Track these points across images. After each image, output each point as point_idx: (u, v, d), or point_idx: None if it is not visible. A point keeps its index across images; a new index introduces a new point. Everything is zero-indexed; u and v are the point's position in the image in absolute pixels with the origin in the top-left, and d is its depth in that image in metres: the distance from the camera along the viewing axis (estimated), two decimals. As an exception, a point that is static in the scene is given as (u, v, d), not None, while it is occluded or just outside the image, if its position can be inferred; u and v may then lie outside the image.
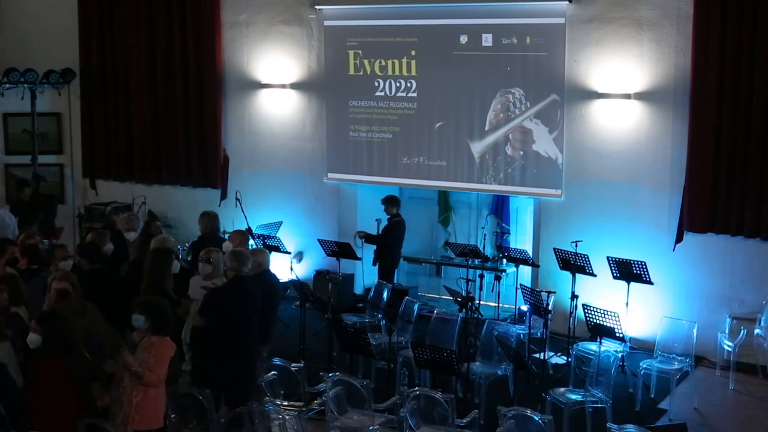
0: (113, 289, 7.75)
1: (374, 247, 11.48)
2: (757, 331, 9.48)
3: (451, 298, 9.66)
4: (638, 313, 9.97)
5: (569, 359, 9.31)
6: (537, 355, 9.42)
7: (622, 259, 9.62)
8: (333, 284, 9.93)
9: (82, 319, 6.83)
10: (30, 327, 6.43)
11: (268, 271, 8.46)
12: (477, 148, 11.24)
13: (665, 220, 10.31)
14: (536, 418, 6.60)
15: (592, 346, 9.07)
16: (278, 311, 9.03)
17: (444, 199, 12.36)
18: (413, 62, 11.48)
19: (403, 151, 11.70)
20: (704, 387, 9.23)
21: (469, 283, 10.29)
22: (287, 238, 12.04)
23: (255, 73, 12.63)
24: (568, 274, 9.99)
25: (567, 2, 10.49)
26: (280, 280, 9.43)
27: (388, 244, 11.28)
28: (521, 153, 10.98)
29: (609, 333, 8.55)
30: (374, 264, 11.44)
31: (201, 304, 7.56)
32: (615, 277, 9.76)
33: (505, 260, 11.15)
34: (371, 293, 10.63)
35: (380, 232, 11.46)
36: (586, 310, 8.75)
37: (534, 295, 9.39)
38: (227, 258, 7.71)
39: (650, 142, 10.33)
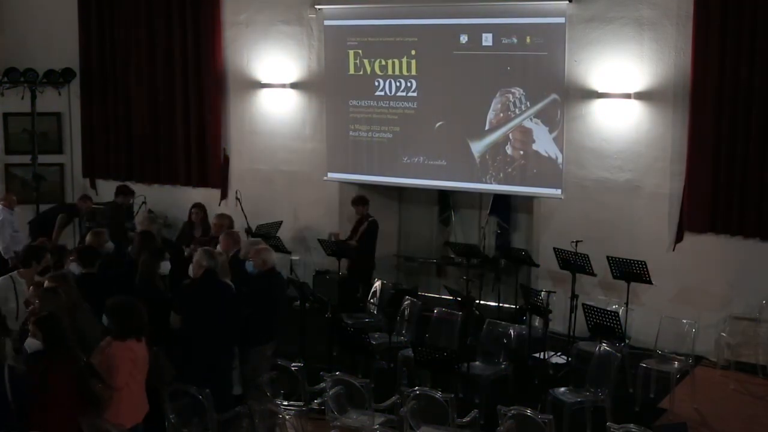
0: (109, 292, 7.69)
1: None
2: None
3: (452, 297, 9.66)
4: (638, 313, 9.97)
5: (569, 359, 9.31)
6: (537, 355, 9.43)
7: (622, 259, 9.61)
8: (333, 284, 9.91)
9: (75, 319, 6.82)
10: (30, 331, 6.41)
11: (275, 269, 8.46)
12: (477, 147, 11.23)
13: (665, 220, 10.31)
14: (536, 418, 6.60)
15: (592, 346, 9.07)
16: (284, 310, 8.96)
17: (444, 199, 12.36)
18: (413, 62, 11.46)
19: (404, 150, 11.69)
20: (704, 387, 9.22)
21: (470, 282, 10.28)
22: (287, 237, 12.04)
23: (255, 72, 12.63)
24: (568, 274, 10.00)
25: (567, 2, 10.47)
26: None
27: (368, 247, 11.16)
28: (521, 153, 10.97)
29: (609, 333, 8.55)
30: (351, 267, 11.19)
31: (174, 301, 7.54)
32: (615, 277, 9.76)
33: (504, 260, 11.15)
34: (371, 293, 10.63)
35: (357, 237, 11.24)
36: (586, 310, 8.75)
37: (534, 295, 9.39)
38: (197, 256, 7.70)
39: (650, 142, 10.33)
